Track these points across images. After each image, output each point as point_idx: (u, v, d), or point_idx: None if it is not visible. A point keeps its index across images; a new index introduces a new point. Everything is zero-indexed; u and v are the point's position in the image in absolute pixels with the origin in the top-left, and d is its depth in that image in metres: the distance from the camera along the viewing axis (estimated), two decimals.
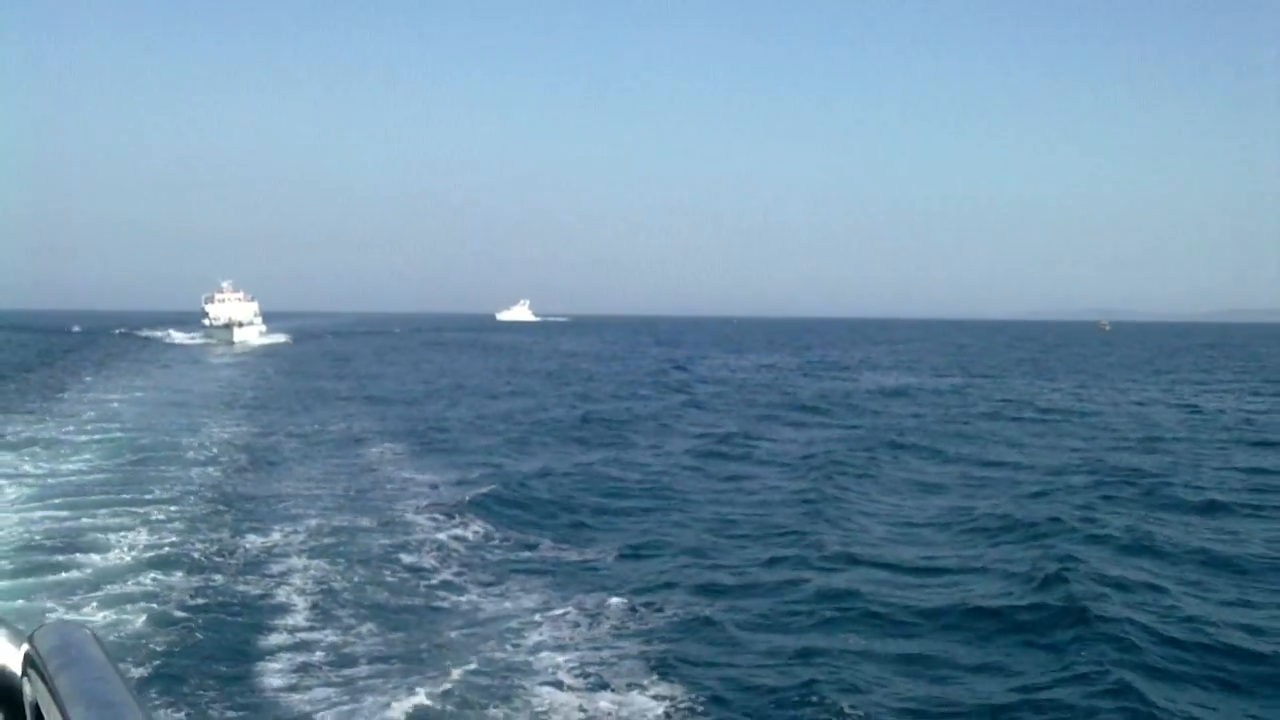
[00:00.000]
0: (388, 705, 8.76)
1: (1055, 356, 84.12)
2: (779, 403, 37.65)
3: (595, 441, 26.00)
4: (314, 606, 11.57)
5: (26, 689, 1.06)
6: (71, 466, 20.15)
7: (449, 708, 8.77)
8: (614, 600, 12.01)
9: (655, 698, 9.15)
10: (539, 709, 8.82)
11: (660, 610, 11.68)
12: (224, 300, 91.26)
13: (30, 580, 12.17)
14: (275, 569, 13.05)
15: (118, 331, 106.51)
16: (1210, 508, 17.35)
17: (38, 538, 14.16)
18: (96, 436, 24.34)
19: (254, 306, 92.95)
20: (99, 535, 14.42)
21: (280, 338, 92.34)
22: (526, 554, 14.48)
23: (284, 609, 11.51)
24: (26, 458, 21.03)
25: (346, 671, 9.61)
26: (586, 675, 9.61)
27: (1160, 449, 25.38)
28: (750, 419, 31.69)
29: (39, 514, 15.68)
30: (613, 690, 9.29)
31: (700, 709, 8.98)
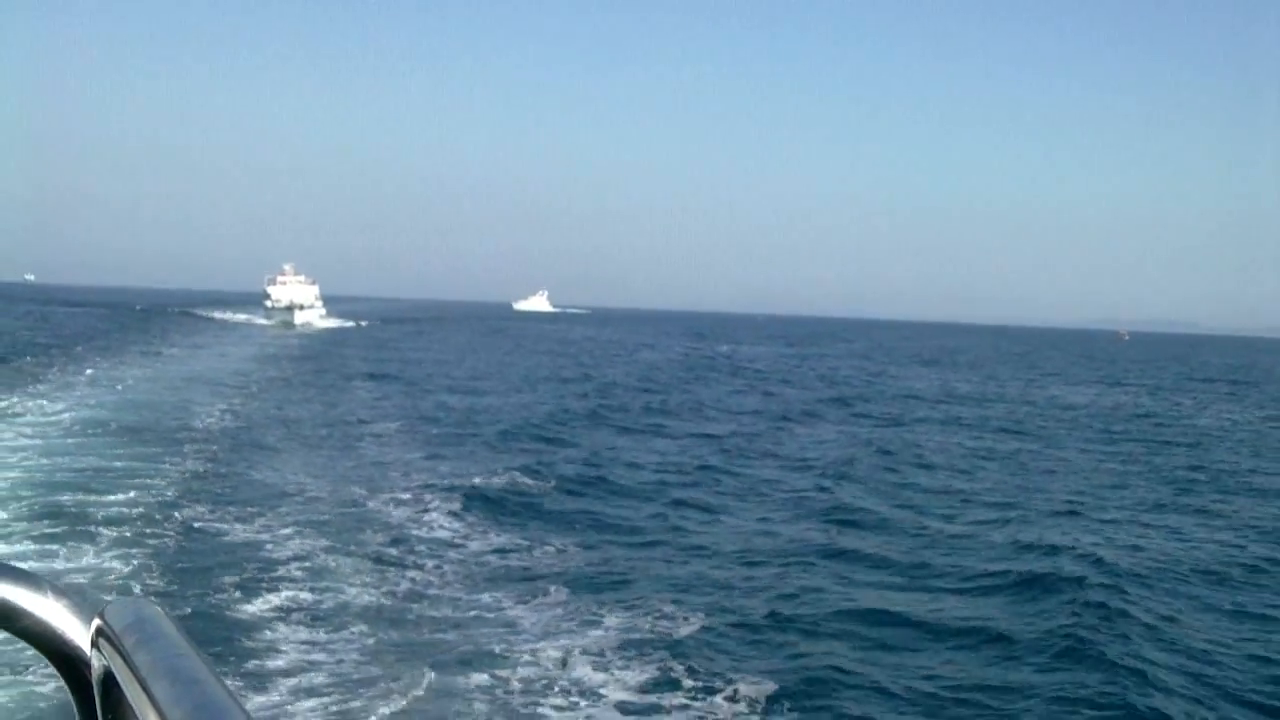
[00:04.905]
0: (384, 695, 8.47)
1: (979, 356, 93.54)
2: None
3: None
4: (313, 587, 11.40)
5: (95, 664, 1.02)
6: (94, 432, 20.33)
7: (446, 701, 8.47)
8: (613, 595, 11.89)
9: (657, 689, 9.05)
10: (536, 705, 8.50)
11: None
12: (285, 283, 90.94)
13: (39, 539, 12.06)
14: (276, 548, 12.84)
15: (177, 310, 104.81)
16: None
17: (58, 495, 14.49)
18: (111, 412, 23.70)
19: (315, 290, 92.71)
20: (112, 497, 14.61)
21: (341, 322, 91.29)
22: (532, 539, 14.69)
23: (279, 586, 11.30)
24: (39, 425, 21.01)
25: (340, 661, 9.34)
26: (588, 670, 9.42)
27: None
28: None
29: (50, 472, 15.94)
30: (612, 686, 9.08)
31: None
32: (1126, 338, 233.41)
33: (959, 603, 12.65)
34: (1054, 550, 15.00)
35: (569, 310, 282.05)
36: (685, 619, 11.18)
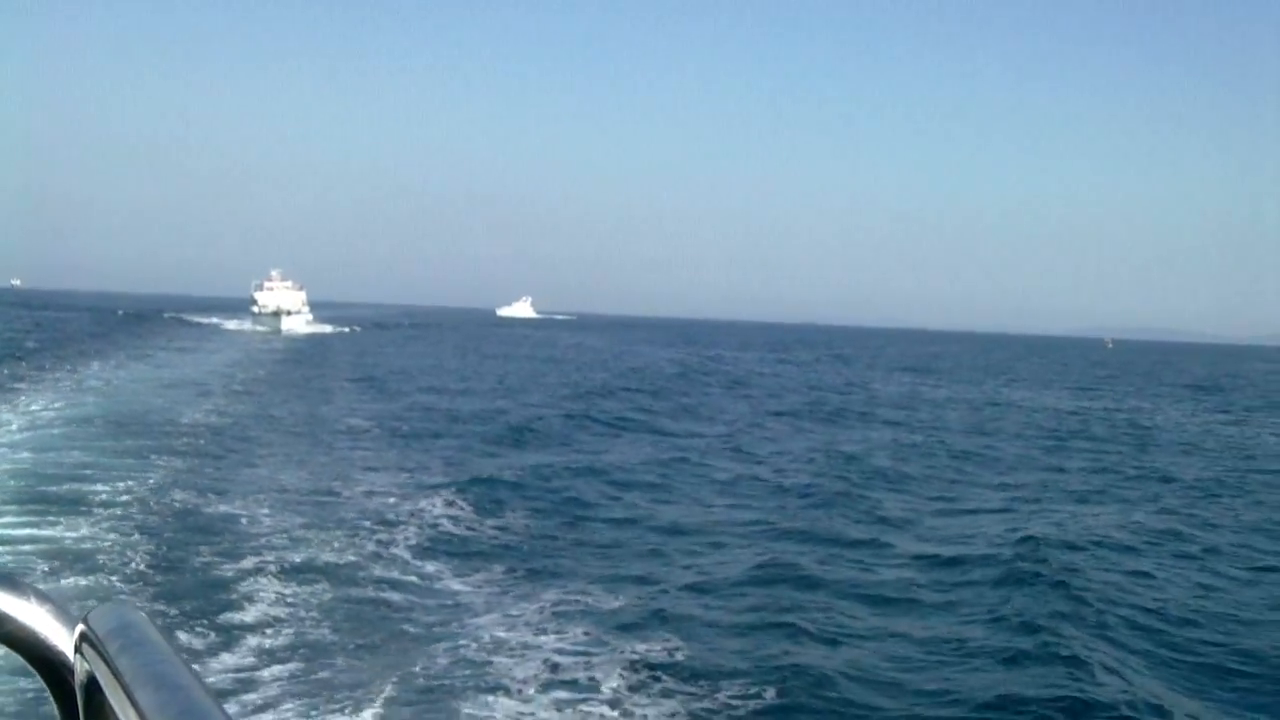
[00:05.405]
0: (358, 693, 8.43)
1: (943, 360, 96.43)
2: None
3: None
4: (286, 586, 11.35)
5: (78, 669, 1.01)
6: (78, 433, 20.65)
7: (417, 700, 8.46)
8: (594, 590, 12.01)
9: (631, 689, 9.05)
10: (508, 703, 8.53)
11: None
12: (273, 289, 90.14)
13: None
14: (250, 547, 12.85)
15: (163, 315, 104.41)
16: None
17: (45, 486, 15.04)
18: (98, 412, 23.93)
19: (302, 296, 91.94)
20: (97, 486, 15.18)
21: (329, 328, 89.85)
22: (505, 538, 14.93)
23: (255, 586, 11.27)
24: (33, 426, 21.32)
25: (314, 660, 9.29)
26: (561, 667, 9.47)
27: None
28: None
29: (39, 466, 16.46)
30: (586, 686, 9.09)
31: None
32: (1110, 345, 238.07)
33: (892, 574, 13.70)
34: (991, 533, 16.18)
35: (554, 316, 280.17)
36: (627, 588, 12.18)
